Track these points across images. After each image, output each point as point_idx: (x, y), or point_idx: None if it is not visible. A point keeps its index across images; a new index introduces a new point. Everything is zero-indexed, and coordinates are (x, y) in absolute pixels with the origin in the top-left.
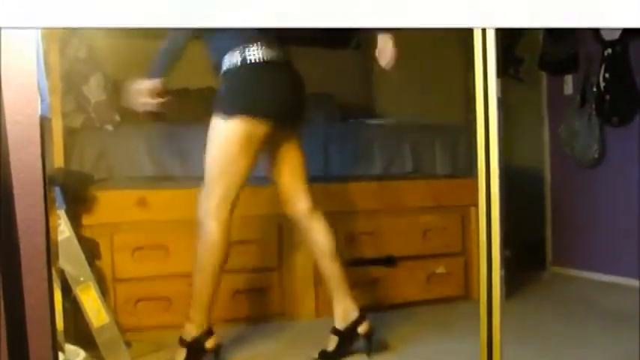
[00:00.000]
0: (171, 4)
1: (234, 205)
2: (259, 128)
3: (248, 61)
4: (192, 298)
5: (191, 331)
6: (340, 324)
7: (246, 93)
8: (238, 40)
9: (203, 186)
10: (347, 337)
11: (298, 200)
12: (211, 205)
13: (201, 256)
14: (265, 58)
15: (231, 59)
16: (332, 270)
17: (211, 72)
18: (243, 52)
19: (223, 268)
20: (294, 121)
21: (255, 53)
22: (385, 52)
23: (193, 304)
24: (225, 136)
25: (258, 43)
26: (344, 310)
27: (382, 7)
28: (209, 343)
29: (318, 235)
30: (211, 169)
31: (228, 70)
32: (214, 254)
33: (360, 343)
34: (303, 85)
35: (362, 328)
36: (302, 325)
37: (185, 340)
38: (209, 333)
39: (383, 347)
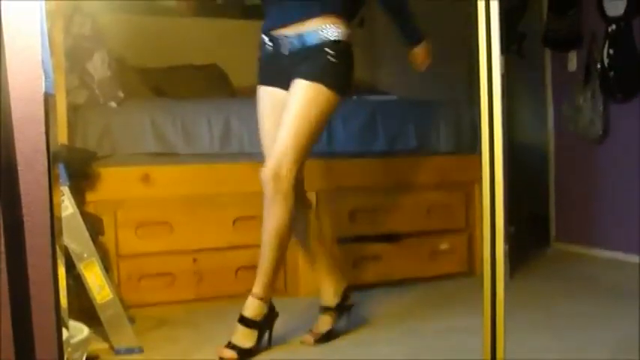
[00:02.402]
0: None
1: None
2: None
3: (347, 38)
4: (259, 271)
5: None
6: (334, 300)
7: (350, 71)
8: (331, 13)
9: (284, 150)
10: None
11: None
12: (291, 175)
13: (279, 227)
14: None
15: (335, 32)
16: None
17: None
18: (342, 27)
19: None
20: None
21: (347, 32)
22: (421, 54)
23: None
24: (328, 107)
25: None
26: (334, 285)
27: None
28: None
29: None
30: (306, 135)
31: (337, 43)
32: (289, 225)
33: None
34: None
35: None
36: (304, 302)
37: (245, 318)
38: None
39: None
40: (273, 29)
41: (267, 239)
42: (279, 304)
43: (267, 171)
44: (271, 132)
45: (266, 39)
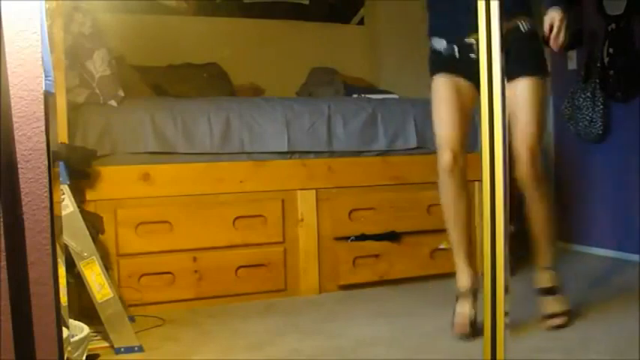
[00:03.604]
0: None
1: None
2: None
3: None
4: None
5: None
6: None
7: None
8: None
9: (537, 137)
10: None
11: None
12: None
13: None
14: None
15: (527, 21)
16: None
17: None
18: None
19: None
20: None
21: None
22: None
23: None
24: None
25: None
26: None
27: None
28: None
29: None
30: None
31: (531, 31)
32: None
33: None
34: None
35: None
36: (304, 301)
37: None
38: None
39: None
40: None
41: None
42: (278, 303)
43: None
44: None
45: None
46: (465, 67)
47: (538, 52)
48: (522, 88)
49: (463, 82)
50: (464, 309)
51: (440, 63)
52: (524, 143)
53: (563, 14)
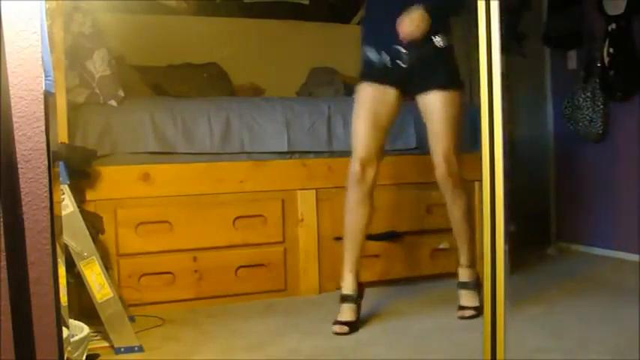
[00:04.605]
0: None
1: None
2: None
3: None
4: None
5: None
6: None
7: None
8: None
9: (451, 149)
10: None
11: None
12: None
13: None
14: None
15: (444, 38)
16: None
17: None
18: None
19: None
20: None
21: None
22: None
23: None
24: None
25: None
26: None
27: None
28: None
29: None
30: (454, 137)
31: (447, 48)
32: None
33: None
34: None
35: None
36: (304, 301)
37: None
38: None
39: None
40: None
41: None
42: (278, 303)
43: None
44: None
45: None
46: (395, 76)
47: (452, 66)
48: (435, 102)
49: (389, 91)
50: (345, 315)
51: (369, 71)
52: (439, 155)
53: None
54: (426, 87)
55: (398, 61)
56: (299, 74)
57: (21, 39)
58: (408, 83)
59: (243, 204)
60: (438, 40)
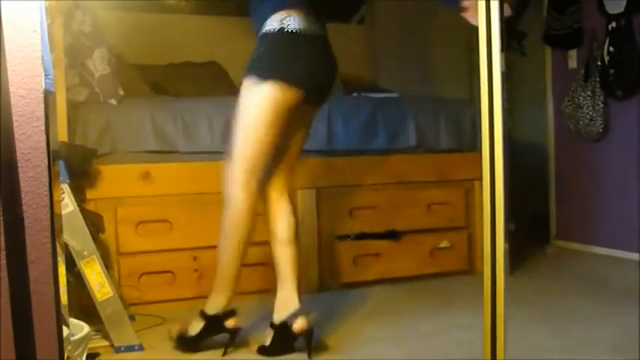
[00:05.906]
0: None
1: (262, 175)
2: (290, 96)
3: (286, 29)
4: (217, 269)
5: (214, 304)
6: (277, 316)
7: (282, 58)
8: (279, 8)
9: (229, 155)
10: (284, 331)
11: (272, 182)
12: (239, 173)
13: (227, 227)
14: (303, 29)
15: (271, 24)
16: (285, 256)
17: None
18: (283, 19)
19: (249, 240)
20: (320, 97)
21: (293, 22)
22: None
23: (218, 276)
24: (257, 100)
25: (298, 13)
26: (284, 302)
27: None
28: (229, 323)
29: (281, 219)
30: (240, 135)
31: (266, 35)
32: (240, 226)
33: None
34: (336, 63)
35: (297, 325)
36: (304, 300)
37: (206, 314)
38: (231, 313)
39: (323, 348)
40: None
41: None
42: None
43: None
44: None
45: None
46: None
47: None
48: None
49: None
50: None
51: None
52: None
53: None
54: None
55: None
56: None
57: (21, 37)
58: None
59: None
60: None
